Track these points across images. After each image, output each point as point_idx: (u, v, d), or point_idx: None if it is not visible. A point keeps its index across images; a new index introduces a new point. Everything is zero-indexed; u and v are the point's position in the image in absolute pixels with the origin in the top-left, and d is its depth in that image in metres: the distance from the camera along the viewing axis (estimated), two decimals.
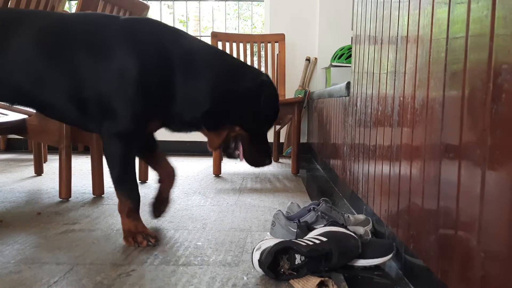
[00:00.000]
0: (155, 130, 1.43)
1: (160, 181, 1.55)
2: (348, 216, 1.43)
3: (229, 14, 4.47)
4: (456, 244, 0.79)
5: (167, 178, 1.55)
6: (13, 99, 1.40)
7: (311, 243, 1.06)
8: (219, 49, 1.44)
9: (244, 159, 1.40)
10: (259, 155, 1.40)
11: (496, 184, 0.64)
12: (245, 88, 1.31)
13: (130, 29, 1.30)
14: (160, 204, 1.56)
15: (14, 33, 1.30)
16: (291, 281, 1.03)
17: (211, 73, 1.30)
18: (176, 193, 2.11)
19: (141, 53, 1.27)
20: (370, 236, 1.30)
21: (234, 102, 1.31)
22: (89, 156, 2.04)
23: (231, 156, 1.42)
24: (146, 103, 1.28)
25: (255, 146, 1.38)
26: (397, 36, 1.22)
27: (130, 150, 1.33)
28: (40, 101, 1.36)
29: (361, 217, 1.47)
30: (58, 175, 1.95)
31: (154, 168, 1.57)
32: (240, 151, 1.40)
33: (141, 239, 1.30)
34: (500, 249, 0.63)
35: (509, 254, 0.61)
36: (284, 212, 1.40)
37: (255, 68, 1.43)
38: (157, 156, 1.55)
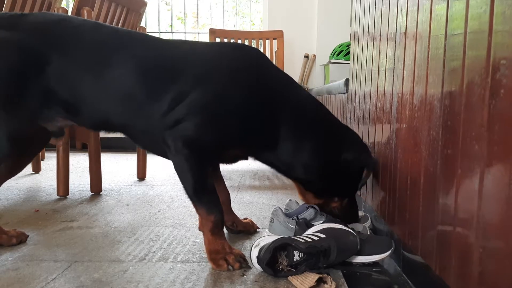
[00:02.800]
0: (240, 157, 1.38)
1: None
2: None
3: (227, 11, 4.45)
4: (455, 240, 0.79)
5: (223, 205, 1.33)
6: (100, 127, 1.30)
7: (309, 239, 1.06)
8: (320, 103, 1.37)
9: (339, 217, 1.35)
10: (351, 214, 1.37)
11: (494, 180, 0.64)
12: (353, 167, 1.28)
13: (237, 61, 1.25)
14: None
15: (115, 57, 1.21)
16: (290, 278, 1.03)
17: (318, 136, 1.25)
18: (174, 190, 2.11)
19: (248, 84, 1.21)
20: (368, 233, 1.30)
21: (337, 175, 1.27)
22: (87, 154, 2.03)
23: (329, 214, 1.34)
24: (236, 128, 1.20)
25: (349, 207, 1.36)
26: (396, 32, 1.21)
27: (206, 167, 1.21)
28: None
29: (360, 213, 1.47)
30: (55, 173, 1.95)
31: None
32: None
33: (233, 260, 1.12)
34: (498, 245, 0.63)
35: (507, 250, 0.61)
36: (283, 209, 1.40)
37: (354, 132, 1.37)
38: (218, 178, 1.45)
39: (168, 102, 1.16)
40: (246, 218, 1.49)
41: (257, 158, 1.35)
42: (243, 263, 1.12)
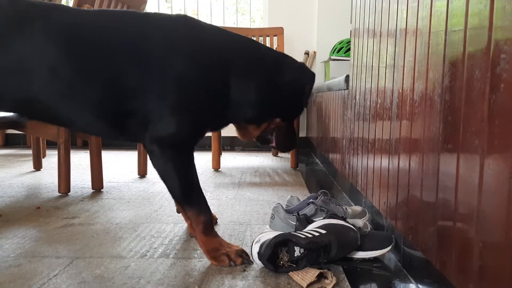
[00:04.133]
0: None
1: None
2: (346, 208, 1.43)
3: (227, 8, 4.45)
4: (455, 235, 0.79)
5: None
6: (25, 112, 1.20)
7: (310, 235, 1.06)
8: (253, 41, 1.33)
9: (275, 145, 1.37)
10: (290, 140, 1.38)
11: (494, 174, 0.65)
12: (293, 84, 1.28)
13: (178, 32, 1.16)
14: None
15: (31, 30, 1.07)
16: (291, 273, 1.03)
17: (260, 71, 1.23)
18: None
19: (200, 56, 1.15)
20: (369, 229, 1.31)
21: (282, 97, 1.27)
22: (88, 151, 2.04)
23: (266, 142, 1.38)
24: (206, 110, 1.16)
25: (288, 133, 1.36)
26: (396, 29, 1.21)
27: (192, 161, 1.16)
28: (64, 117, 1.16)
29: (358, 208, 1.48)
30: (57, 170, 1.95)
31: None
32: (273, 136, 1.37)
33: (235, 256, 1.11)
34: (498, 239, 0.64)
35: (507, 243, 0.61)
36: (284, 206, 1.40)
37: (291, 57, 1.34)
38: None
39: (112, 87, 1.09)
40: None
41: (220, 124, 1.31)
42: (245, 258, 1.12)
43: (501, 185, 0.62)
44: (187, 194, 1.15)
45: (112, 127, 1.16)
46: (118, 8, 2.23)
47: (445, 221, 0.83)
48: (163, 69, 1.10)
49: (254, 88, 1.20)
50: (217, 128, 1.32)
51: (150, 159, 1.15)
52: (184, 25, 1.17)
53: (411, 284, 1.02)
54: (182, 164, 1.14)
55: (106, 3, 2.12)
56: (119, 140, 1.24)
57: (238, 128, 1.35)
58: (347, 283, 1.01)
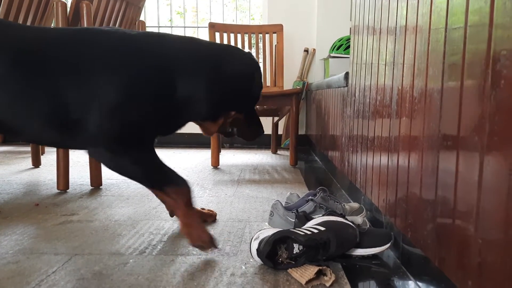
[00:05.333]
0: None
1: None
2: (344, 205, 1.43)
3: (226, 5, 4.44)
4: (454, 232, 0.79)
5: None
6: None
7: (309, 232, 1.06)
8: (192, 38, 1.34)
9: (240, 136, 1.40)
10: (253, 129, 1.39)
11: (494, 171, 0.64)
12: (239, 74, 1.27)
13: (113, 43, 1.18)
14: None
15: None
16: (289, 270, 1.03)
17: (203, 68, 1.22)
18: None
19: (136, 63, 1.16)
20: (368, 226, 1.31)
21: (230, 89, 1.26)
22: None
23: (230, 135, 1.40)
24: (148, 113, 1.17)
25: (249, 122, 1.38)
26: (396, 26, 1.21)
27: (143, 152, 1.18)
28: (14, 128, 1.18)
29: (356, 205, 1.48)
30: (55, 167, 1.95)
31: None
32: (234, 129, 1.39)
33: (208, 238, 1.16)
34: (497, 236, 0.64)
35: (506, 240, 0.61)
36: (283, 203, 1.40)
37: (236, 47, 1.36)
38: None
39: (57, 98, 1.12)
40: (204, 209, 1.52)
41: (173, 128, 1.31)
42: (214, 244, 1.16)
43: (500, 182, 0.62)
44: (156, 177, 1.17)
45: (61, 136, 1.19)
46: (117, 5, 2.22)
47: (444, 218, 0.83)
48: (100, 80, 1.12)
49: (199, 85, 1.20)
50: (171, 129, 1.30)
51: (101, 162, 1.18)
52: (119, 36, 1.19)
53: (410, 281, 1.02)
54: (134, 155, 1.15)
55: (104, 1, 2.12)
56: (70, 148, 1.25)
57: (198, 125, 1.35)
58: (346, 280, 1.01)
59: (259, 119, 1.41)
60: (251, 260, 1.12)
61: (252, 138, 1.41)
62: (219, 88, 1.23)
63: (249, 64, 1.31)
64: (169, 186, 1.17)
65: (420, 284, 0.98)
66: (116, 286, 0.97)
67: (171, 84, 1.18)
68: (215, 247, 1.16)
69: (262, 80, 1.39)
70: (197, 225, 1.19)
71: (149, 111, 1.16)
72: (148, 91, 1.15)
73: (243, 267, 1.08)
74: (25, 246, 1.22)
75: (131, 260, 1.12)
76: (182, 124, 1.29)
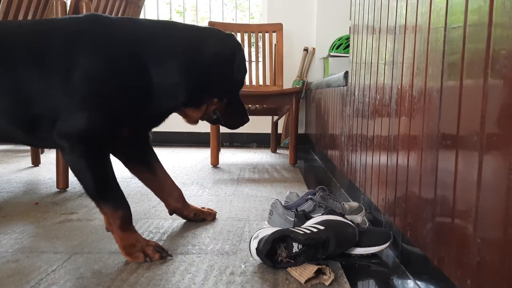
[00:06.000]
0: (127, 135, 1.21)
1: (171, 212, 1.46)
2: (343, 204, 1.43)
3: (226, 4, 4.44)
4: (453, 231, 0.79)
5: (177, 201, 1.43)
6: None
7: (308, 231, 1.06)
8: (168, 21, 1.29)
9: (223, 125, 1.36)
10: (237, 117, 1.35)
11: (493, 171, 0.65)
12: (218, 55, 1.20)
13: (77, 31, 1.12)
14: (204, 218, 1.47)
15: None
16: (289, 269, 1.03)
17: (179, 52, 1.16)
18: None
19: (105, 50, 1.11)
20: (367, 225, 1.31)
21: (209, 73, 1.20)
22: None
23: (216, 122, 1.35)
24: (119, 103, 1.12)
25: (233, 110, 1.32)
26: (395, 25, 1.21)
27: (105, 156, 1.12)
28: None
29: (355, 204, 1.48)
30: (55, 166, 1.95)
31: (158, 193, 1.44)
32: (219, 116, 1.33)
33: (152, 252, 1.11)
34: (496, 235, 0.64)
35: (505, 240, 0.61)
36: (283, 202, 1.40)
37: (216, 29, 1.28)
38: (159, 176, 1.41)
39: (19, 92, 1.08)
40: (204, 207, 1.53)
41: (148, 120, 1.25)
42: (163, 253, 1.12)
43: (499, 181, 0.62)
44: (101, 190, 1.11)
45: (25, 133, 1.14)
46: (117, 4, 2.22)
47: (443, 217, 0.83)
48: (66, 68, 1.07)
49: (174, 69, 1.14)
50: (152, 121, 1.26)
51: (62, 156, 1.11)
52: (87, 22, 1.14)
53: (409, 280, 1.02)
54: (94, 160, 1.09)
55: None
56: (34, 145, 1.20)
57: (181, 115, 1.29)
58: (345, 279, 1.01)
59: (244, 107, 1.35)
60: (251, 259, 1.12)
61: (236, 127, 1.37)
62: (196, 70, 1.17)
63: (228, 45, 1.23)
64: (107, 205, 1.12)
65: (419, 283, 0.99)
66: (115, 285, 0.97)
67: (143, 71, 1.12)
68: (167, 256, 1.13)
69: (247, 64, 1.32)
70: (131, 241, 1.13)
71: (120, 103, 1.11)
72: (118, 80, 1.10)
73: (243, 266, 1.08)
74: (24, 244, 1.22)
75: None
76: (163, 114, 1.24)
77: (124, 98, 1.11)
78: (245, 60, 1.31)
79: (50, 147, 1.20)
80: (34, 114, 1.09)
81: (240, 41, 1.33)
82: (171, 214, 1.47)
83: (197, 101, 1.23)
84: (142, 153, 1.39)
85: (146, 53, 1.13)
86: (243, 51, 1.29)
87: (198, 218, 1.46)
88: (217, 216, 1.53)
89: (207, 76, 1.20)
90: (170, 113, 1.26)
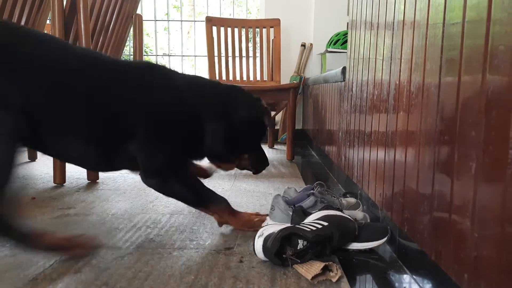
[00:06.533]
0: None
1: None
2: (341, 199, 1.44)
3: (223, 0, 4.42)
4: (450, 226, 0.79)
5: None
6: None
7: (314, 228, 1.05)
8: (214, 81, 1.54)
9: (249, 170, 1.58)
10: (261, 163, 1.56)
11: (491, 166, 0.65)
12: (252, 119, 1.44)
13: (153, 85, 1.29)
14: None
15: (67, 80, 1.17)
16: (295, 266, 1.02)
17: (225, 114, 1.37)
18: None
19: (175, 107, 1.31)
20: (368, 220, 1.31)
21: (244, 135, 1.42)
22: None
23: (244, 169, 1.56)
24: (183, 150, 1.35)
25: (257, 159, 1.54)
26: (394, 20, 1.21)
27: (184, 180, 1.32)
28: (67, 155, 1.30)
29: (352, 200, 1.49)
30: (52, 161, 1.94)
31: None
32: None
33: (259, 221, 1.36)
34: (493, 230, 0.64)
35: (502, 234, 0.62)
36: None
37: (247, 93, 1.49)
38: None
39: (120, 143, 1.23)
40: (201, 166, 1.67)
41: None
42: (262, 217, 1.36)
43: (497, 176, 0.63)
44: (200, 200, 1.34)
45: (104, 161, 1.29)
46: (112, 1, 2.21)
47: (441, 212, 0.84)
48: (144, 120, 1.24)
49: (222, 130, 1.36)
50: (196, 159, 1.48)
51: (156, 189, 1.31)
52: (156, 76, 1.32)
53: (406, 275, 1.03)
54: (179, 184, 1.30)
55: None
56: (112, 170, 1.39)
57: (217, 166, 1.52)
58: (343, 274, 1.01)
59: (265, 154, 1.57)
60: (248, 254, 1.12)
61: (260, 170, 1.59)
62: (235, 131, 1.38)
63: (259, 109, 1.47)
64: (211, 207, 1.35)
65: (416, 277, 0.99)
66: (113, 280, 0.97)
67: (202, 129, 1.34)
68: (261, 222, 1.34)
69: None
70: (246, 218, 1.36)
71: (184, 148, 1.34)
72: (185, 132, 1.32)
73: (240, 260, 1.09)
74: None
75: (128, 254, 1.12)
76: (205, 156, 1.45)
77: (187, 146, 1.34)
78: (270, 118, 1.56)
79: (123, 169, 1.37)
80: (120, 151, 1.25)
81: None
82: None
83: (231, 156, 1.46)
84: None
85: (203, 115, 1.34)
86: (270, 113, 1.56)
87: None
88: None
89: (242, 136, 1.42)
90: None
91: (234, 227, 1.35)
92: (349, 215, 1.18)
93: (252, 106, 1.45)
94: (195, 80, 1.43)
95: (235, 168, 1.53)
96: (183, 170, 1.35)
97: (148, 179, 1.28)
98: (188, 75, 1.43)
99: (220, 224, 1.37)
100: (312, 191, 1.38)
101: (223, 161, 1.46)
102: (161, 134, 1.26)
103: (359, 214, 1.31)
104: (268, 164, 1.57)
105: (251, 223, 1.35)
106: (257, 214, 1.39)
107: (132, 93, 1.24)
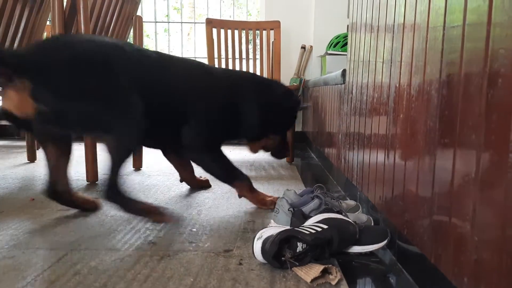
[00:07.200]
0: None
1: (183, 180, 1.97)
2: (340, 202, 1.43)
3: (223, 1, 4.42)
4: (450, 229, 0.79)
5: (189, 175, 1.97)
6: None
7: (313, 231, 1.05)
8: (251, 74, 1.95)
9: (272, 154, 1.91)
10: (283, 150, 1.88)
11: (491, 169, 0.65)
12: (284, 107, 1.77)
13: (202, 78, 1.64)
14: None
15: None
16: (294, 268, 1.02)
17: (258, 100, 1.68)
18: (170, 180, 2.11)
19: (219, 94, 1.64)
20: (372, 223, 1.31)
21: (275, 119, 1.74)
22: (83, 143, 2.03)
23: (267, 151, 1.89)
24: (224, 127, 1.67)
25: (281, 144, 1.84)
26: (394, 23, 1.21)
27: (219, 155, 1.63)
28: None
29: (352, 202, 1.49)
30: None
31: (178, 169, 1.97)
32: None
33: (271, 203, 1.60)
34: (493, 233, 0.64)
35: (502, 238, 0.61)
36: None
37: (281, 83, 1.86)
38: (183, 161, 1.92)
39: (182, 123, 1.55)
40: (201, 176, 1.97)
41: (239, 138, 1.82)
42: (274, 199, 1.61)
43: (497, 180, 0.63)
44: (228, 173, 1.63)
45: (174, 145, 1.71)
46: (113, 1, 2.21)
47: (441, 215, 0.84)
48: (198, 105, 1.56)
49: (255, 113, 1.66)
50: (233, 139, 1.85)
51: (194, 161, 1.68)
52: (204, 72, 1.67)
53: (405, 278, 1.02)
54: (214, 157, 1.62)
55: None
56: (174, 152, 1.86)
57: (246, 145, 1.85)
58: (342, 277, 1.01)
59: (288, 143, 1.90)
60: (247, 256, 1.12)
61: (281, 157, 1.93)
62: (266, 117, 1.68)
63: (292, 99, 1.83)
64: (236, 182, 1.64)
65: (416, 281, 0.99)
66: (112, 281, 0.97)
67: (237, 113, 1.65)
68: (272, 202, 1.60)
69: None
70: (261, 197, 1.64)
71: (224, 128, 1.66)
72: (226, 116, 1.64)
73: (239, 263, 1.08)
74: (20, 241, 1.22)
75: (127, 256, 1.12)
76: (239, 136, 1.76)
77: (224, 126, 1.67)
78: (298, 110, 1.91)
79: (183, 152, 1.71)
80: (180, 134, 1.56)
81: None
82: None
83: (260, 138, 1.79)
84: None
85: (238, 96, 1.66)
86: (300, 105, 1.90)
87: (199, 186, 1.97)
88: (214, 214, 1.53)
89: (272, 121, 1.73)
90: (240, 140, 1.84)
91: (250, 202, 1.64)
92: (352, 217, 1.17)
93: (287, 98, 1.80)
94: (246, 75, 1.87)
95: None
96: (220, 149, 1.64)
97: (193, 149, 1.59)
98: (239, 72, 1.88)
99: (240, 196, 1.66)
100: (317, 193, 1.37)
101: (252, 140, 1.79)
102: (208, 118, 1.58)
103: (363, 216, 1.30)
104: (288, 152, 1.92)
105: (264, 201, 1.61)
106: (271, 196, 1.65)
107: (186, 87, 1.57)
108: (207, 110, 1.57)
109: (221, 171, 1.62)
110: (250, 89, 1.69)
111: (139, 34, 2.54)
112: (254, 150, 1.85)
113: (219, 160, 1.61)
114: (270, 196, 1.65)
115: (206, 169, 1.61)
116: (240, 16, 4.39)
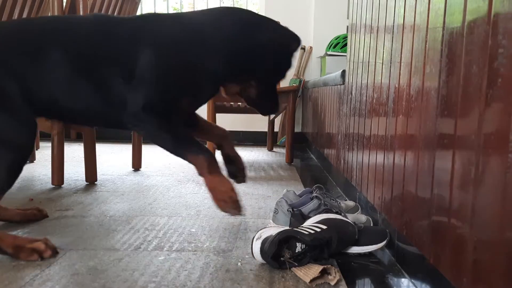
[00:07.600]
0: (188, 108, 1.33)
1: (218, 147, 1.47)
2: (340, 202, 1.43)
3: (223, 2, 4.43)
4: (449, 230, 0.79)
5: (223, 139, 1.46)
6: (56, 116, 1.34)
7: (312, 231, 1.05)
8: (227, 8, 1.37)
9: (254, 107, 1.39)
10: (270, 103, 1.38)
11: (490, 170, 0.65)
12: (270, 44, 1.28)
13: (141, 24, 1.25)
14: (236, 167, 1.48)
15: (49, 44, 1.19)
16: (293, 269, 1.02)
17: (229, 37, 1.24)
18: (170, 180, 2.11)
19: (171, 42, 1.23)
20: (371, 223, 1.31)
21: (257, 58, 1.27)
22: (82, 144, 2.03)
23: (249, 100, 1.37)
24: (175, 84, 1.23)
25: (268, 96, 1.36)
26: (393, 24, 1.21)
27: (170, 121, 1.22)
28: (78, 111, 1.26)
29: (351, 203, 1.49)
30: (50, 162, 1.94)
31: (205, 138, 1.51)
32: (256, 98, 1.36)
33: (233, 204, 1.16)
34: (492, 234, 0.64)
35: (500, 238, 0.61)
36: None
37: (274, 21, 1.36)
38: (202, 127, 1.47)
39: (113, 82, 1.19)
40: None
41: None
42: (239, 205, 1.15)
43: (496, 181, 0.63)
44: (177, 145, 1.20)
45: (107, 113, 1.24)
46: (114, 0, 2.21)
47: (440, 216, 0.84)
48: (139, 53, 1.18)
49: (225, 47, 1.23)
50: (202, 96, 1.33)
51: (138, 132, 1.25)
52: (144, 19, 1.26)
53: (404, 279, 1.02)
54: (162, 123, 1.19)
55: None
56: (113, 127, 1.31)
57: (223, 87, 1.35)
58: (341, 277, 1.01)
59: (278, 97, 1.38)
60: (247, 256, 1.12)
61: (267, 112, 1.42)
62: (246, 52, 1.24)
63: (284, 36, 1.33)
64: (188, 155, 1.20)
65: (414, 281, 0.99)
66: (111, 282, 0.96)
67: (199, 49, 1.22)
68: (239, 210, 1.15)
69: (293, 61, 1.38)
70: (220, 187, 1.18)
71: (181, 77, 1.22)
72: (180, 61, 1.21)
73: (238, 263, 1.08)
74: None
75: (126, 256, 1.12)
76: (210, 91, 1.32)
77: (184, 75, 1.23)
78: (293, 55, 1.37)
79: (122, 125, 1.27)
80: (115, 94, 1.19)
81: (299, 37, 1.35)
82: (218, 149, 1.46)
83: (239, 79, 1.30)
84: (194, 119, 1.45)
85: (201, 36, 1.23)
86: (298, 47, 1.36)
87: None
88: (213, 214, 1.52)
89: (255, 59, 1.26)
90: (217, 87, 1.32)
91: (206, 187, 1.20)
92: (351, 218, 1.17)
93: (274, 28, 1.33)
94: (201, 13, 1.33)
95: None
96: (174, 111, 1.24)
97: (132, 117, 1.20)
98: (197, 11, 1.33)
99: (200, 175, 1.24)
100: (316, 194, 1.37)
101: (225, 77, 1.29)
102: (157, 65, 1.19)
103: (362, 217, 1.30)
104: (277, 107, 1.40)
105: (224, 195, 1.17)
106: (236, 194, 1.18)
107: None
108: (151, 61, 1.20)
109: (166, 141, 1.21)
110: (215, 23, 1.27)
111: None
112: (230, 92, 1.36)
113: (164, 127, 1.21)
114: (235, 193, 1.18)
115: (152, 140, 1.21)
116: None
